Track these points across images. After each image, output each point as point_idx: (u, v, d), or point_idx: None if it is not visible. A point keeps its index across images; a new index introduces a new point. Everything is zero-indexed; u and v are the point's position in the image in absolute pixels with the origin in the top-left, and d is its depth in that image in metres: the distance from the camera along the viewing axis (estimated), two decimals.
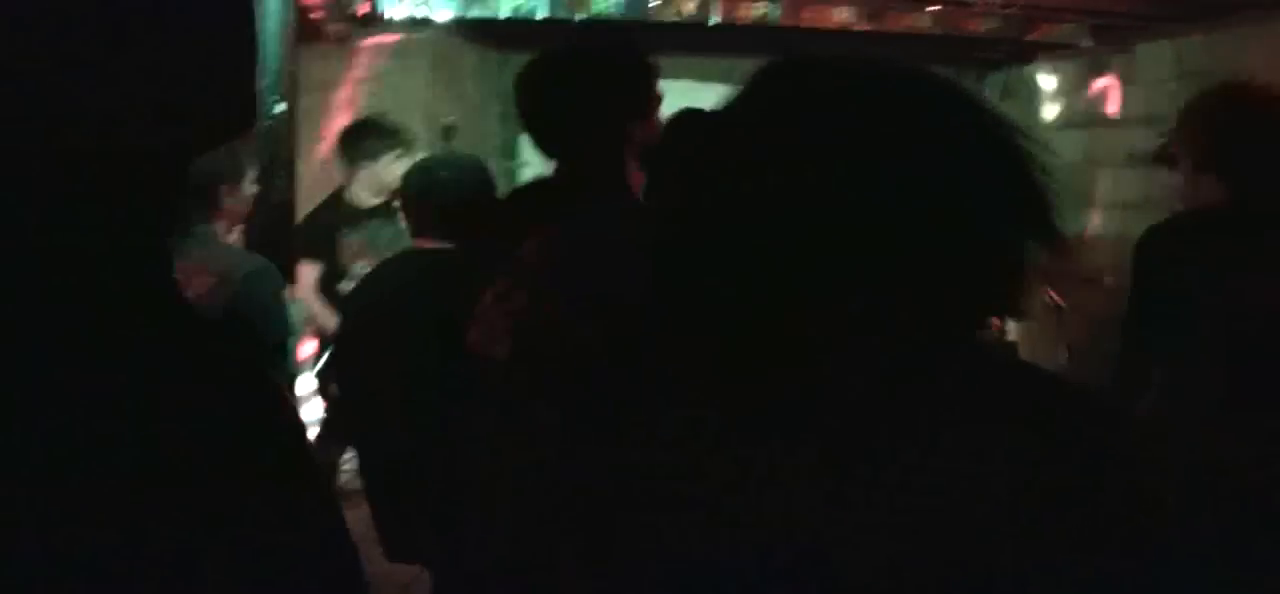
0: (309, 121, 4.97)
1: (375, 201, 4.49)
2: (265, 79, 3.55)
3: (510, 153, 7.06)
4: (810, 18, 5.70)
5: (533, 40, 4.88)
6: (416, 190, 3.20)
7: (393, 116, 4.91)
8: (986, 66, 7.43)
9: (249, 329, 2.60)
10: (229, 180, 2.97)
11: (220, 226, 3.01)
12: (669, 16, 5.63)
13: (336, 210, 4.57)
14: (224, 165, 2.91)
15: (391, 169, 4.32)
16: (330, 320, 4.23)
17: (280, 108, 3.67)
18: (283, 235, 3.71)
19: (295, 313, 4.11)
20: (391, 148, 4.48)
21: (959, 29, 5.89)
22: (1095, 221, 6.26)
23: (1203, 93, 2.96)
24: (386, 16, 5.69)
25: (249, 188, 3.12)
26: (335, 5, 5.21)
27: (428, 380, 2.63)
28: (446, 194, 3.11)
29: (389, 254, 3.77)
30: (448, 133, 5.95)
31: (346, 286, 4.27)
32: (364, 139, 4.57)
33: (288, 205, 3.81)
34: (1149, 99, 5.74)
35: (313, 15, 4.98)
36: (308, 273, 4.47)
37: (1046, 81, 7.12)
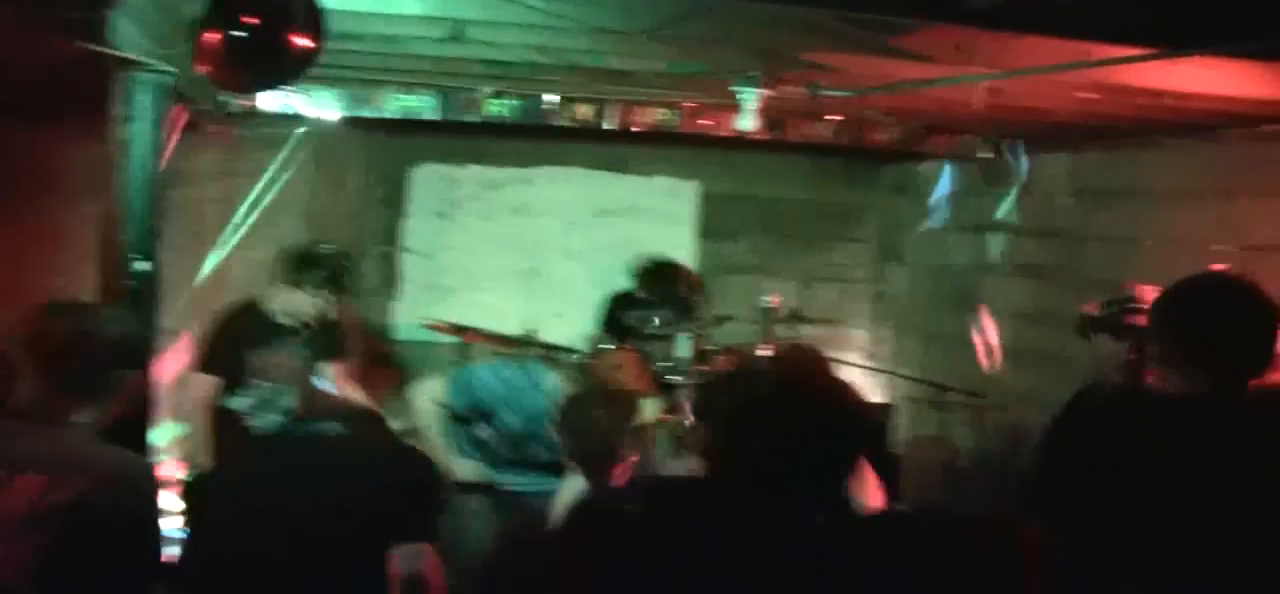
0: (186, 214, 4.90)
1: (291, 323, 4.18)
2: (127, 234, 3.26)
3: (390, 238, 6.43)
4: (708, 125, 5.43)
5: (423, 129, 5.74)
6: None
7: (275, 209, 5.31)
8: (879, 159, 6.96)
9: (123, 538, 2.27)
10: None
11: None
12: (565, 121, 5.41)
13: (247, 321, 4.23)
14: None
15: (313, 298, 4.26)
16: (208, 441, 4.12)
17: (143, 266, 3.28)
18: (144, 400, 3.37)
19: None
20: (321, 277, 4.30)
21: (857, 140, 5.68)
22: (984, 329, 6.21)
23: None
24: (268, 112, 5.07)
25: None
26: (215, 104, 4.74)
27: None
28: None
29: (293, 381, 3.34)
30: None
31: (238, 403, 3.65)
32: (296, 263, 4.34)
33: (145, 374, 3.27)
34: (1043, 211, 5.85)
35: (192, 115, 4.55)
36: (204, 386, 4.29)
37: (942, 183, 6.39)
